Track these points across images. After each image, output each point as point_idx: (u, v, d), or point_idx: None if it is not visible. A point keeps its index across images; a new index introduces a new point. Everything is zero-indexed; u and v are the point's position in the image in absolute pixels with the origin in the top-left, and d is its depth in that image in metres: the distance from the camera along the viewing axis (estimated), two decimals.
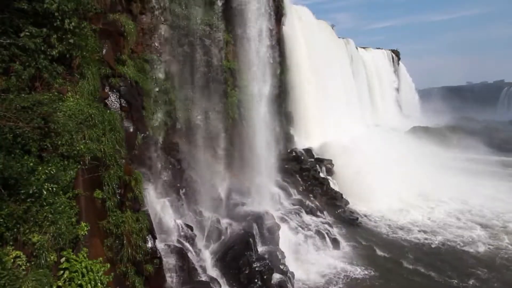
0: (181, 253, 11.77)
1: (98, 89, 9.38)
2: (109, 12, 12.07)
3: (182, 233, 13.18)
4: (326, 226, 19.80)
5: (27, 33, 7.14)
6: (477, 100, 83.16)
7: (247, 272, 13.39)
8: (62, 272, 6.22)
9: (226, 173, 18.46)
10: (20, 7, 7.05)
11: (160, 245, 11.33)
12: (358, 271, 15.93)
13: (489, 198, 25.30)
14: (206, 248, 14.51)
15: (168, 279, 10.65)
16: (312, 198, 22.76)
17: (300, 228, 18.47)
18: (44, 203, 6.19)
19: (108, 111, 9.18)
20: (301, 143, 27.84)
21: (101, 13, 11.05)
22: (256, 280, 13.13)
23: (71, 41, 7.96)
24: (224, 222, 15.99)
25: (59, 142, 6.83)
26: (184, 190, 15.09)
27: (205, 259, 13.85)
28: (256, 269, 13.45)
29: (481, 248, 18.12)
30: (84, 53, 8.89)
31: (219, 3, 17.57)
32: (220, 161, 18.19)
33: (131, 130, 11.48)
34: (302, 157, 25.30)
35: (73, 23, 7.88)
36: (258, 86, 20.66)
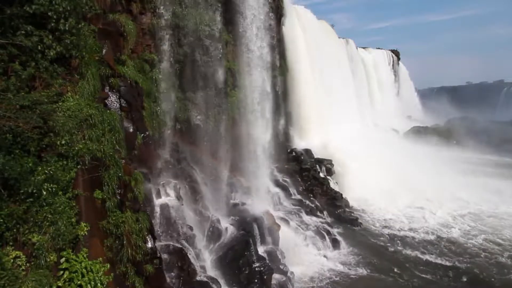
0: (181, 253, 11.77)
1: (98, 89, 9.37)
2: (109, 12, 12.06)
3: (182, 233, 13.17)
4: (326, 226, 19.80)
5: (23, 32, 7.13)
6: (477, 100, 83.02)
7: (247, 272, 13.39)
8: (62, 272, 6.21)
9: (226, 173, 18.45)
10: (13, 12, 7.03)
11: (160, 245, 11.34)
12: (358, 271, 15.93)
13: (488, 198, 25.26)
14: (206, 248, 14.50)
15: (168, 279, 10.65)
16: (312, 198, 22.75)
17: (300, 228, 18.48)
18: (44, 203, 6.19)
19: (108, 111, 9.17)
20: (301, 143, 27.84)
21: (101, 13, 11.04)
22: (256, 280, 13.13)
23: (68, 41, 7.93)
24: (224, 222, 15.98)
25: (59, 142, 6.82)
26: (184, 190, 15.07)
27: (205, 259, 13.85)
28: (256, 269, 13.45)
29: (480, 251, 18.14)
30: (84, 53, 8.86)
31: (219, 3, 17.55)
32: (220, 161, 18.18)
33: (131, 130, 11.47)
34: (302, 157, 25.30)
35: (68, 24, 7.84)
36: (258, 86, 20.64)
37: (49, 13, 7.49)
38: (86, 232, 6.81)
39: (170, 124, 15.33)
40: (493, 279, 15.30)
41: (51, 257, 6.00)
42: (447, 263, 16.72)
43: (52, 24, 7.64)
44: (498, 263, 16.72)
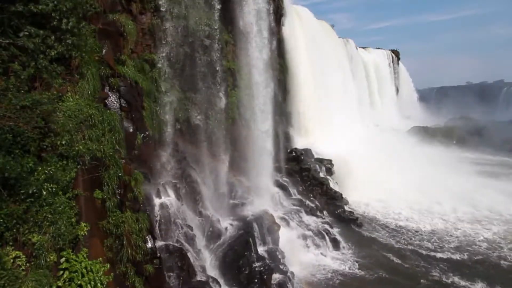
0: (181, 253, 11.77)
1: (98, 89, 9.38)
2: (109, 12, 12.07)
3: (182, 233, 13.18)
4: (326, 226, 19.80)
5: (26, 33, 7.14)
6: (477, 100, 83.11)
7: (247, 272, 13.39)
8: (61, 272, 6.22)
9: (226, 173, 18.45)
10: (17, 10, 7.04)
11: (160, 245, 11.34)
12: (357, 271, 15.93)
13: (498, 200, 25.07)
14: (206, 248, 14.51)
15: (168, 279, 10.65)
16: (312, 198, 22.76)
17: (300, 228, 18.47)
18: (44, 203, 6.19)
19: (108, 111, 9.18)
20: (301, 143, 27.85)
21: (101, 13, 11.05)
22: (256, 280, 13.13)
23: (70, 41, 7.94)
24: (224, 222, 15.99)
25: (59, 142, 6.83)
26: (184, 190, 15.08)
27: (205, 259, 13.85)
28: (256, 269, 13.45)
29: (481, 249, 18.14)
30: (84, 53, 8.88)
31: (219, 3, 17.55)
32: (220, 161, 18.18)
33: (131, 130, 11.49)
34: (302, 157, 25.30)
35: (71, 23, 7.85)
36: (258, 86, 20.66)
37: (53, 13, 7.50)
38: (86, 232, 6.82)
39: (170, 124, 15.34)
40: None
41: (51, 257, 6.00)
42: (447, 263, 16.70)
43: (54, 24, 7.64)
44: None
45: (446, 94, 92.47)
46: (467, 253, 17.77)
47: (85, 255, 6.60)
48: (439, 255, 17.62)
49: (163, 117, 14.86)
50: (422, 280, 15.21)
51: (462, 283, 15.01)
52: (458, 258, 17.31)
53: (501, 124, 51.76)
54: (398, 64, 65.99)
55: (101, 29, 10.75)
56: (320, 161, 26.27)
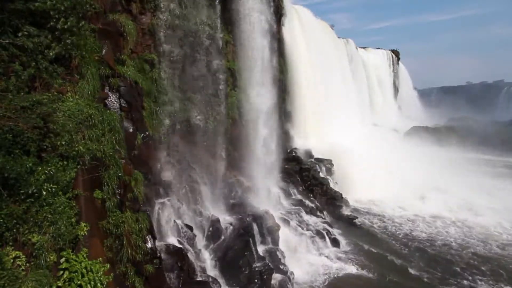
0: (181, 253, 11.76)
1: (98, 89, 9.37)
2: (109, 12, 12.07)
3: (182, 233, 13.18)
4: (326, 226, 19.81)
5: (25, 33, 7.13)
6: (477, 100, 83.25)
7: (247, 272, 13.39)
8: (61, 272, 6.21)
9: (226, 173, 18.45)
10: (16, 8, 7.03)
11: (160, 245, 11.34)
12: (358, 271, 15.93)
13: (487, 197, 25.15)
14: (206, 248, 14.51)
15: (168, 279, 10.65)
16: (312, 198, 22.76)
17: (300, 228, 18.48)
18: (44, 204, 6.19)
19: (107, 111, 9.18)
20: (300, 143, 27.84)
21: (101, 13, 11.05)
22: (256, 280, 13.14)
23: (69, 41, 7.93)
24: (224, 222, 15.99)
25: (59, 142, 6.82)
26: (184, 190, 15.08)
27: (205, 259, 13.86)
28: (256, 269, 13.46)
29: (479, 248, 18.15)
30: (84, 53, 8.88)
31: (219, 3, 17.55)
32: (220, 161, 18.18)
33: (131, 130, 11.48)
34: (302, 157, 25.31)
35: (69, 23, 7.84)
36: (258, 86, 20.65)
37: (51, 12, 7.49)
38: (86, 232, 6.81)
39: (170, 124, 15.33)
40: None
41: (51, 257, 6.00)
42: (447, 263, 16.70)
43: (52, 23, 7.63)
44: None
45: (446, 94, 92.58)
46: (480, 260, 17.20)
47: (85, 255, 6.59)
48: (436, 253, 17.60)
49: (163, 117, 14.86)
50: (421, 279, 15.21)
51: None
52: (449, 258, 17.09)
53: (501, 124, 51.75)
54: (398, 64, 65.91)
55: (101, 29, 10.75)
56: (320, 161, 26.27)
